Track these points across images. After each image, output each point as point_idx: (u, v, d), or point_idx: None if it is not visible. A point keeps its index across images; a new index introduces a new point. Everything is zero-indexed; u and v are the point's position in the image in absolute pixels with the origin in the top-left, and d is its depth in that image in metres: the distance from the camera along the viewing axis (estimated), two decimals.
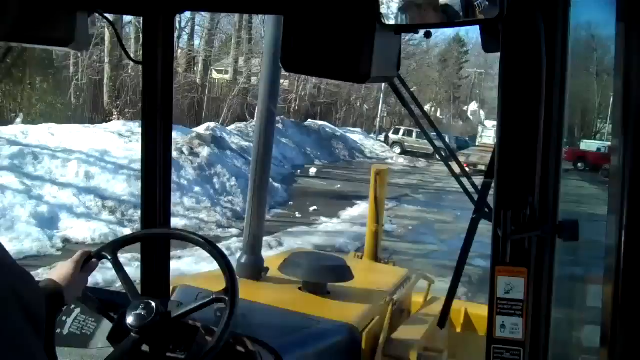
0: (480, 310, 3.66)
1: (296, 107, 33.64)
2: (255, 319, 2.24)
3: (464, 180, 1.73)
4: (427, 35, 1.44)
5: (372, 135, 39.13)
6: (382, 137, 39.57)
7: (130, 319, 1.63)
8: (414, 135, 36.25)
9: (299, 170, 22.37)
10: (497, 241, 1.26)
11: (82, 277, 1.68)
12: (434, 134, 1.93)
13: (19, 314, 0.86)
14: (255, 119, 4.10)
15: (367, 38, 1.41)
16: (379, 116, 43.76)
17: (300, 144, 26.58)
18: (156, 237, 2.21)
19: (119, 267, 1.76)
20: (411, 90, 1.82)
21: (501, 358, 1.29)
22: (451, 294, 1.65)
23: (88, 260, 1.70)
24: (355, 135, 35.03)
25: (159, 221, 2.20)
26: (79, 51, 2.15)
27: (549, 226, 1.26)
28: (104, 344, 1.76)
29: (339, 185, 20.11)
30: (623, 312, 1.19)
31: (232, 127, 23.39)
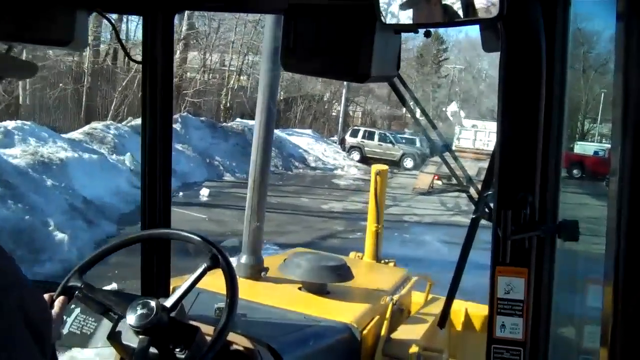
0: (480, 310, 3.66)
1: (227, 104, 27.75)
2: (255, 319, 2.24)
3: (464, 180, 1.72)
4: (427, 34, 1.44)
5: (332, 139, 32.71)
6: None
7: (130, 319, 1.64)
8: (376, 137, 31.35)
9: (180, 194, 14.97)
10: (497, 241, 1.26)
11: (56, 319, 1.60)
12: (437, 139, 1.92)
13: (25, 330, 0.87)
14: (255, 119, 4.10)
15: (367, 38, 1.41)
16: (341, 116, 36.79)
17: (205, 153, 20.25)
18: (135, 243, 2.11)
19: (93, 291, 1.72)
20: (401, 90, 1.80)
21: (501, 358, 1.29)
22: (451, 294, 1.65)
23: (52, 302, 1.64)
24: (302, 139, 28.13)
25: (159, 221, 2.20)
26: (77, 51, 2.15)
27: (549, 226, 1.26)
28: (104, 343, 1.76)
29: (228, 218, 12.76)
30: (623, 312, 1.19)
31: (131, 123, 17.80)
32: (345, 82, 30.04)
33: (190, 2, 2.22)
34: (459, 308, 3.70)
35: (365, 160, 29.42)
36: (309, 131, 30.85)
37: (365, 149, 30.64)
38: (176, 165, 15.29)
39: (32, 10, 1.74)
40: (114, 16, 2.91)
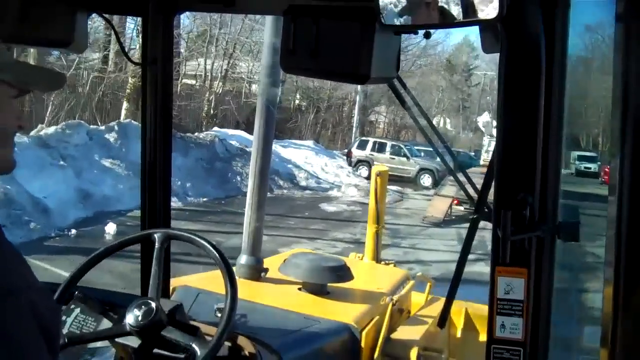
0: (480, 311, 3.66)
1: (210, 110, 24.29)
2: (255, 319, 2.24)
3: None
4: (427, 35, 1.45)
5: (336, 151, 27.95)
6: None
7: (130, 319, 1.64)
8: (388, 150, 26.38)
9: (72, 231, 10.90)
10: (497, 242, 1.26)
11: None
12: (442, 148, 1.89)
13: (35, 331, 0.87)
14: (255, 120, 4.10)
15: (367, 39, 1.41)
16: (355, 125, 32.10)
17: None
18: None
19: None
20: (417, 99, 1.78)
21: (501, 358, 1.29)
22: (451, 295, 1.65)
23: None
24: (299, 152, 23.79)
25: (159, 222, 2.20)
26: (78, 52, 2.15)
27: (548, 227, 1.26)
28: (104, 343, 1.77)
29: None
30: (623, 312, 1.19)
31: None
32: (359, 88, 27.94)
33: (190, 3, 2.22)
34: (459, 308, 3.70)
35: None
36: (309, 142, 26.81)
37: (375, 163, 23.82)
38: (96, 187, 13.10)
39: (32, 11, 1.74)
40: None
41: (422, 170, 26.03)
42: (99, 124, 17.13)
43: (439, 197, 17.52)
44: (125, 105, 18.87)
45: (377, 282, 3.29)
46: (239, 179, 18.34)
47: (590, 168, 31.02)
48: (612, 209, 1.19)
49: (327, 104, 32.88)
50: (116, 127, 15.88)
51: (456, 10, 1.21)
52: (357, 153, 26.57)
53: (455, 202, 16.07)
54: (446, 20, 1.25)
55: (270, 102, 3.96)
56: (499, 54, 1.25)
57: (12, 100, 1.03)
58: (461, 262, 1.64)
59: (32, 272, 0.97)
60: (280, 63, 1.57)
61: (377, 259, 4.37)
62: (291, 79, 27.54)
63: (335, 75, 1.59)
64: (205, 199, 15.83)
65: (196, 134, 19.98)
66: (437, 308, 3.22)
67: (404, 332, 2.83)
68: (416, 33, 1.44)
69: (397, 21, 1.30)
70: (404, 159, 26.17)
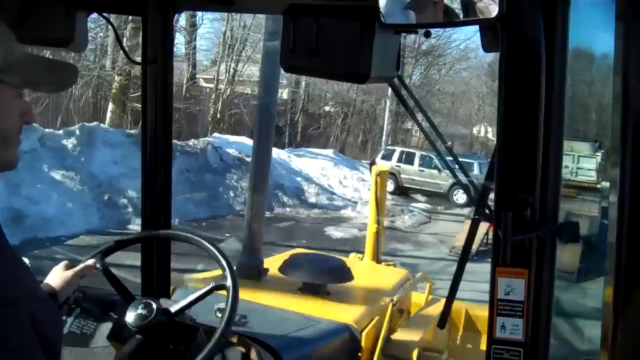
0: (480, 311, 3.66)
1: (217, 115, 21.54)
2: (255, 320, 2.24)
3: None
4: (427, 35, 1.44)
5: (364, 162, 24.12)
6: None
7: (130, 319, 1.64)
8: (417, 161, 22.20)
9: None
10: (497, 242, 1.26)
11: (73, 279, 1.65)
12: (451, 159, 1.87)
13: (34, 341, 0.87)
14: (255, 120, 4.11)
15: (367, 38, 1.41)
16: (385, 133, 28.28)
17: (111, 184, 12.53)
18: (149, 240, 2.18)
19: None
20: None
21: (501, 359, 1.28)
22: (452, 295, 1.65)
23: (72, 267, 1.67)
24: (315, 162, 20.65)
25: (159, 222, 2.20)
26: (77, 52, 2.15)
27: (549, 227, 1.26)
28: (104, 343, 1.76)
29: None
30: (623, 312, 1.19)
31: None
32: (390, 92, 24.33)
33: (189, 2, 2.22)
34: (459, 309, 3.71)
35: (402, 191, 21.36)
36: (329, 151, 23.55)
37: (402, 176, 21.85)
38: (35, 205, 10.52)
39: (32, 10, 1.73)
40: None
41: (456, 185, 20.43)
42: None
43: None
44: (110, 107, 16.72)
45: (377, 283, 3.29)
46: (231, 194, 15.20)
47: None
48: (613, 208, 1.18)
49: (354, 109, 29.73)
50: (77, 132, 13.00)
51: (456, 10, 1.21)
52: (382, 164, 20.85)
53: (492, 227, 13.04)
54: (446, 20, 1.25)
55: (269, 102, 3.97)
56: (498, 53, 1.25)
57: (15, 100, 1.02)
58: (461, 263, 1.63)
59: (36, 281, 0.96)
60: (280, 62, 1.57)
61: (377, 259, 4.38)
62: (316, 81, 25.32)
63: (335, 75, 1.59)
64: (177, 221, 11.17)
65: (189, 141, 16.68)
66: (437, 309, 3.22)
67: (404, 333, 2.83)
68: (416, 32, 1.44)
69: (397, 20, 1.30)
70: (435, 171, 21.98)
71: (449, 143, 1.87)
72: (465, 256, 1.61)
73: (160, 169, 2.16)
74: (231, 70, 23.01)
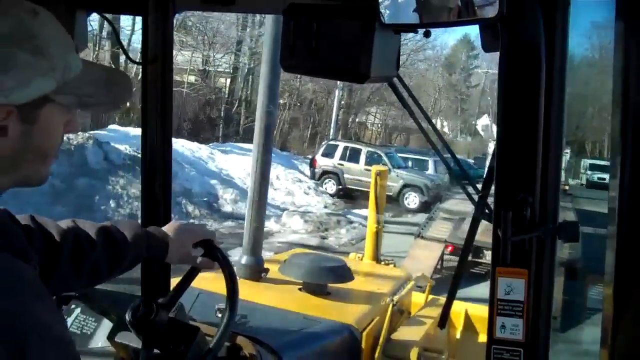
0: (480, 311, 3.66)
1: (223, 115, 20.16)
2: (255, 320, 2.24)
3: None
4: (427, 34, 1.44)
5: (307, 158, 21.40)
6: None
7: (130, 318, 1.64)
8: (363, 158, 19.27)
9: None
10: (497, 242, 1.26)
11: (189, 250, 1.60)
12: (448, 155, 1.86)
13: None
14: (256, 120, 4.12)
15: (367, 38, 1.41)
16: (332, 127, 25.51)
17: None
18: None
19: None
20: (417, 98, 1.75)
21: (501, 359, 1.28)
22: (452, 295, 1.65)
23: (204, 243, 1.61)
24: (241, 160, 16.97)
25: (159, 222, 2.20)
26: (77, 51, 2.14)
27: (549, 227, 1.26)
28: (104, 343, 1.77)
29: None
30: (623, 312, 1.19)
31: None
32: (341, 85, 24.65)
33: (190, 2, 2.22)
34: (459, 309, 3.71)
35: (346, 194, 18.54)
36: (246, 145, 18.93)
37: (345, 175, 19.00)
38: None
39: None
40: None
41: (407, 187, 18.88)
42: None
43: (423, 243, 10.23)
44: None
45: (377, 283, 3.30)
46: (112, 204, 11.82)
47: (604, 179, 27.62)
48: (613, 207, 1.18)
49: (300, 99, 27.43)
50: None
51: (456, 9, 1.21)
52: (322, 162, 19.65)
53: (449, 248, 9.84)
54: (446, 19, 1.25)
55: (271, 102, 3.97)
56: (498, 53, 1.25)
57: (64, 116, 0.99)
58: (462, 263, 1.63)
59: (54, 310, 0.90)
60: (280, 62, 1.57)
61: (377, 258, 4.39)
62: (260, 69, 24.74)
63: (335, 74, 1.59)
64: None
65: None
66: (437, 309, 3.22)
67: (404, 333, 2.83)
68: (416, 32, 1.44)
69: (397, 20, 1.30)
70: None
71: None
72: (465, 256, 1.61)
73: (160, 168, 2.16)
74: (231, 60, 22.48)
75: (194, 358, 1.61)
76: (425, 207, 17.16)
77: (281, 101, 25.88)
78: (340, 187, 18.98)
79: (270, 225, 12.57)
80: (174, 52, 2.27)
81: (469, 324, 3.78)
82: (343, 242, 12.46)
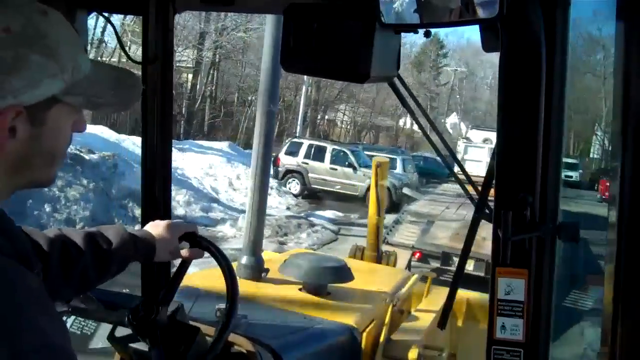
0: (482, 301, 3.67)
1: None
2: (255, 320, 2.24)
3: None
4: (427, 34, 1.44)
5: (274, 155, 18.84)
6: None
7: (130, 319, 1.64)
8: (328, 157, 18.47)
9: None
10: (497, 242, 1.26)
11: (175, 245, 1.62)
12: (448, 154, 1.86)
13: None
14: (256, 119, 4.13)
15: (367, 38, 1.41)
16: (299, 123, 24.92)
17: None
18: None
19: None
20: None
21: (501, 359, 1.28)
22: (452, 295, 1.64)
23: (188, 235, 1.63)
24: (201, 159, 16.78)
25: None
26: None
27: (549, 227, 1.26)
28: (104, 344, 1.77)
29: None
30: (623, 312, 1.19)
31: None
32: (306, 77, 23.59)
33: (190, 1, 2.22)
34: (461, 299, 3.71)
35: (310, 194, 17.70)
36: (224, 144, 19.34)
37: (310, 175, 18.15)
38: None
39: None
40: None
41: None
42: None
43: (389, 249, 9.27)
44: None
45: (377, 283, 3.29)
46: (46, 209, 10.49)
47: (571, 177, 27.07)
48: (614, 208, 1.18)
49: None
50: None
51: (456, 9, 1.21)
52: (285, 161, 18.68)
53: (417, 255, 9.28)
54: (446, 19, 1.25)
55: (271, 102, 3.97)
56: (496, 52, 1.25)
57: (72, 117, 0.98)
58: (462, 263, 1.63)
59: (55, 319, 0.89)
60: (281, 62, 1.57)
61: (378, 249, 4.45)
62: (225, 64, 22.76)
63: (335, 74, 1.59)
64: None
65: None
66: (437, 300, 3.22)
67: (404, 332, 2.82)
68: (416, 32, 1.44)
69: (397, 20, 1.30)
70: (350, 170, 18.17)
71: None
72: (464, 258, 1.61)
73: (160, 168, 2.16)
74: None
75: (194, 358, 1.61)
76: (392, 208, 15.74)
77: (246, 96, 25.04)
78: (305, 187, 18.18)
79: (225, 229, 12.14)
80: (134, 47, 2.27)
81: (469, 313, 3.81)
82: (303, 247, 11.09)
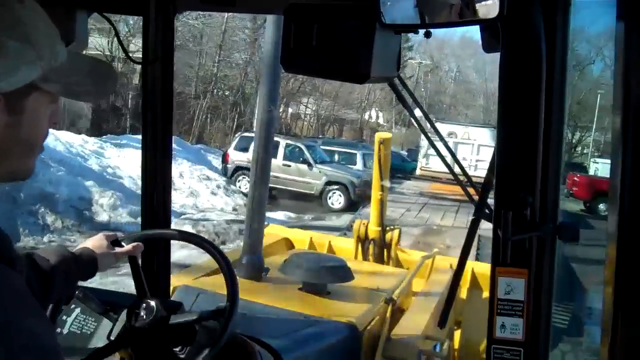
0: (486, 270, 3.68)
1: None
2: (255, 319, 2.24)
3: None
4: (427, 35, 1.44)
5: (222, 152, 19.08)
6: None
7: (130, 318, 1.64)
8: (281, 152, 17.00)
9: None
10: (497, 242, 1.26)
11: (112, 253, 1.67)
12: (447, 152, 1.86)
13: None
14: (256, 119, 4.14)
15: (367, 38, 1.41)
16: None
17: None
18: (164, 238, 2.18)
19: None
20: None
21: (501, 358, 1.28)
22: (452, 295, 1.65)
23: (116, 241, 1.70)
24: (138, 155, 4.71)
25: (159, 222, 2.20)
26: (78, 52, 2.15)
27: (549, 227, 1.26)
28: (104, 343, 1.76)
29: None
30: (623, 312, 1.19)
31: None
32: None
33: (190, 2, 2.22)
34: (466, 268, 3.75)
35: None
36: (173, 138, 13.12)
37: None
38: None
39: None
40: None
41: (331, 184, 16.80)
42: None
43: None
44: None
45: (377, 282, 3.29)
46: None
47: None
48: (613, 208, 1.18)
49: (218, 86, 24.27)
50: None
51: (456, 10, 1.21)
52: (234, 157, 17.20)
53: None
54: (447, 20, 1.25)
55: (271, 101, 3.97)
56: (496, 52, 1.25)
57: (49, 106, 0.97)
58: (462, 263, 1.63)
59: (43, 319, 0.88)
60: (281, 62, 1.57)
61: (382, 225, 4.49)
62: (180, 55, 20.26)
63: (336, 74, 1.59)
64: None
65: None
66: (442, 278, 3.24)
67: (404, 329, 2.82)
68: (416, 32, 1.44)
69: (397, 20, 1.30)
70: (304, 166, 16.97)
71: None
72: (464, 258, 1.61)
73: (161, 169, 2.16)
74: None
75: (194, 358, 1.61)
76: (351, 207, 15.67)
77: (201, 87, 23.25)
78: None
79: None
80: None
81: (474, 282, 3.84)
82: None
